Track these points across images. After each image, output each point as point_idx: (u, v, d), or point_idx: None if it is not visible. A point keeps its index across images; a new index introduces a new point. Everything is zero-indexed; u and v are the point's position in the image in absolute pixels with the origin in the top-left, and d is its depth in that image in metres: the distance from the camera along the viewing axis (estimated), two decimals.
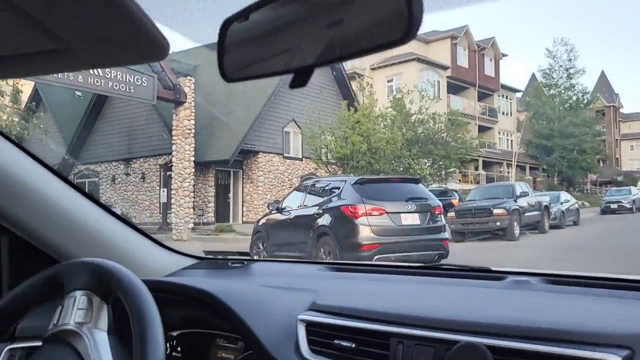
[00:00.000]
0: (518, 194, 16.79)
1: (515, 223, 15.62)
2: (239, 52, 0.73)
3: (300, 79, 0.68)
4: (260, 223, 10.84)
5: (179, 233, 18.54)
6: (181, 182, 18.70)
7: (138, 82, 16.99)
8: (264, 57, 0.71)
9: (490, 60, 41.65)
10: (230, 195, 21.95)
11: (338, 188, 8.76)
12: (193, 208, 19.35)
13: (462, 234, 15.93)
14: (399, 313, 1.28)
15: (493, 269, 1.61)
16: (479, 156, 37.41)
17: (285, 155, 23.16)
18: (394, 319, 1.26)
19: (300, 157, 23.16)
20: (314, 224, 8.53)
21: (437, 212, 8.51)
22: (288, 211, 9.60)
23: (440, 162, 22.21)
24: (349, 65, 37.80)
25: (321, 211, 8.59)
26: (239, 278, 1.86)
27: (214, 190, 21.11)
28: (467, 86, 39.85)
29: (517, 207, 16.01)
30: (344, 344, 1.26)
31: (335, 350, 1.27)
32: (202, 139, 21.49)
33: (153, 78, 17.41)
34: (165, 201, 19.33)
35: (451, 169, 23.77)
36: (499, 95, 43.05)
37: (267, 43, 0.71)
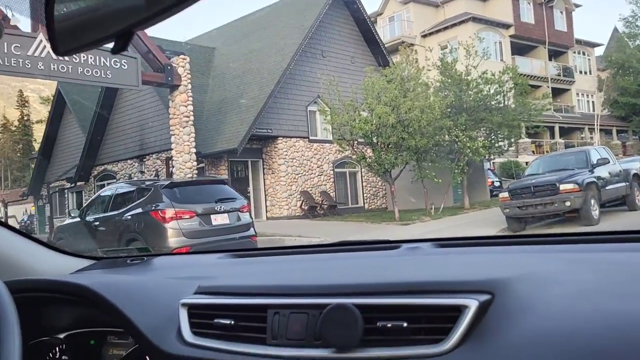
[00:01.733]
0: (594, 162, 12.72)
1: (593, 201, 11.68)
2: (67, 24, 0.73)
3: (119, 44, 0.69)
4: (60, 229, 10.38)
5: None
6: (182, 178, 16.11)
7: (116, 65, 14.51)
8: (89, 26, 0.71)
9: (561, 13, 36.26)
10: (250, 189, 19.17)
11: (148, 191, 8.58)
12: None
13: (520, 220, 12.24)
14: (276, 285, 1.34)
15: (391, 239, 1.76)
16: (554, 122, 32.50)
17: (311, 138, 20.06)
18: (271, 291, 1.29)
19: (331, 139, 19.97)
20: (121, 229, 8.45)
21: (244, 211, 8.79)
22: (92, 217, 9.25)
23: (498, 132, 18.21)
24: (396, 34, 34.04)
25: (129, 216, 8.42)
26: (131, 273, 1.84)
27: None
28: (535, 45, 34.87)
29: (594, 179, 12.01)
30: (223, 321, 1.27)
31: (216, 330, 1.28)
32: (212, 127, 18.82)
33: (135, 60, 14.89)
34: None
35: (513, 139, 19.68)
36: (575, 52, 37.52)
37: (89, 11, 0.72)
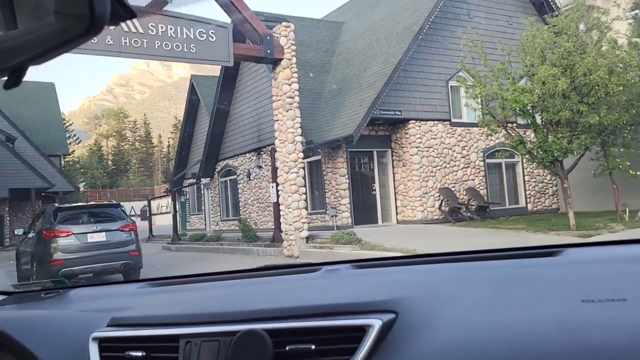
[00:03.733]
0: None
1: None
2: None
3: (12, 79, 0.69)
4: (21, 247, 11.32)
5: (290, 246, 13.08)
6: (286, 173, 13.18)
7: (202, 36, 11.99)
8: None
9: None
10: (375, 185, 15.64)
11: (44, 213, 10.23)
12: (307, 208, 13.68)
13: None
14: (189, 314, 1.33)
15: (313, 262, 1.87)
16: None
17: (453, 121, 15.87)
18: (185, 320, 1.29)
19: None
20: (30, 249, 10.06)
21: (126, 229, 9.83)
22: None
23: None
24: None
25: (32, 235, 10.30)
26: (45, 308, 1.79)
27: (347, 181, 15.07)
28: None
29: None
30: (135, 354, 1.26)
31: None
32: (329, 111, 15.67)
33: (226, 29, 12.25)
34: (275, 200, 14.06)
35: None
36: None
37: None
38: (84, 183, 62.28)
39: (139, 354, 1.24)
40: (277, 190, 13.70)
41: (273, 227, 14.51)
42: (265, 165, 17.87)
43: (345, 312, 1.13)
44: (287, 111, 13.15)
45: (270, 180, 14.64)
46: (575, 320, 0.99)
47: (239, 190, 20.19)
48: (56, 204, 11.51)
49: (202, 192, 24.55)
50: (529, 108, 11.36)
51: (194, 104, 25.80)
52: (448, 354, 0.99)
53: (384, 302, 1.14)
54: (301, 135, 13.38)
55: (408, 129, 15.17)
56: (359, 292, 1.32)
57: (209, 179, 22.57)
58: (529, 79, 11.54)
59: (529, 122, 11.60)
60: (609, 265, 1.24)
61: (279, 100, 13.37)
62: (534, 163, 12.63)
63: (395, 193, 15.66)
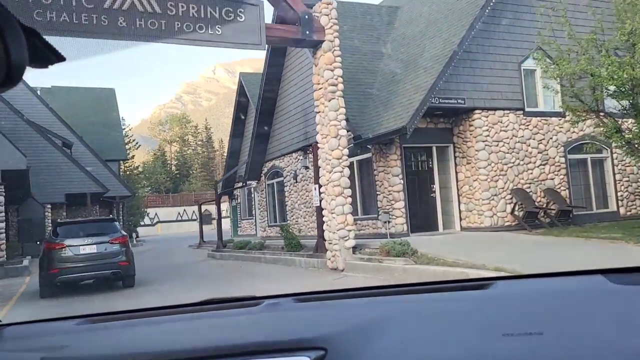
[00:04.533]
0: None
1: None
2: None
3: None
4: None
5: (334, 257, 11.27)
6: (329, 173, 11.38)
7: (229, 16, 10.42)
8: None
9: None
10: (435, 186, 13.53)
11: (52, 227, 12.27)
12: (354, 213, 11.77)
13: None
14: (128, 353, 1.33)
15: (257, 295, 1.71)
16: None
17: (527, 110, 13.51)
18: None
19: (560, 110, 13.16)
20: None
21: (116, 242, 10.66)
22: None
23: None
24: None
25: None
26: None
27: (402, 181, 13.04)
28: None
29: None
30: None
31: None
32: (380, 102, 13.77)
33: (257, 7, 10.63)
34: (318, 204, 12.28)
35: None
36: None
37: None
38: (148, 188, 63.32)
39: None
40: (320, 193, 11.93)
41: (304, 238, 12.76)
42: (312, 166, 16.14)
43: (278, 350, 1.18)
44: (329, 101, 11.35)
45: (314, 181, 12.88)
46: (496, 356, 1.05)
47: (286, 194, 18.58)
48: (59, 220, 12.87)
49: (252, 195, 23.18)
50: (628, 87, 8.99)
51: (243, 103, 24.55)
52: None
53: (314, 339, 1.17)
54: (346, 129, 11.55)
55: (473, 120, 12.98)
56: (293, 328, 1.33)
57: (255, 181, 21.12)
58: (628, 50, 9.16)
59: (630, 104, 9.20)
60: (529, 298, 1.27)
61: (320, 88, 11.60)
62: (634, 157, 10.18)
63: (458, 195, 13.49)
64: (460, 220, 13.38)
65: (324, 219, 11.67)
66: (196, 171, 70.95)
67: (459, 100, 12.68)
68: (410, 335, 1.15)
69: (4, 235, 18.56)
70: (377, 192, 13.51)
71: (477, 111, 12.90)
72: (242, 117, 24.93)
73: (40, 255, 11.00)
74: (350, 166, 12.42)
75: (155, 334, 1.51)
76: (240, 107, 24.80)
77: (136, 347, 1.35)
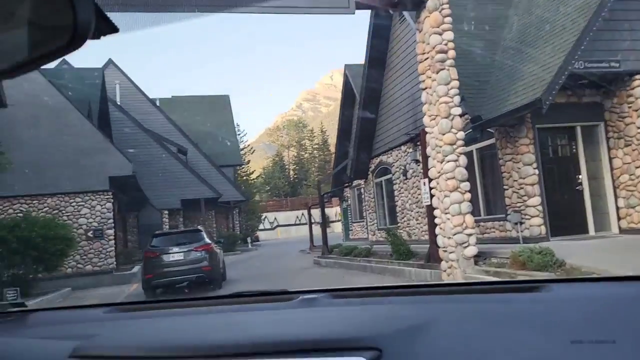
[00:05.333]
0: None
1: None
2: None
3: None
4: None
5: (450, 268, 8.96)
6: (440, 163, 9.09)
7: None
8: None
9: None
10: (582, 177, 10.61)
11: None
12: (474, 212, 9.31)
13: None
14: (160, 345, 1.26)
15: (289, 290, 1.60)
16: None
17: None
18: (154, 353, 1.22)
19: None
20: None
21: (200, 250, 11.81)
22: None
23: None
24: None
25: None
26: (2, 334, 1.69)
27: (536, 172, 10.30)
28: None
29: None
30: None
31: None
32: (504, 75, 11.20)
33: None
34: (429, 202, 9.98)
35: None
36: None
37: None
38: (268, 193, 64.28)
39: None
40: (430, 189, 9.67)
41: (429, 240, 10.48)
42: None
43: (327, 349, 1.09)
44: (437, 72, 9.07)
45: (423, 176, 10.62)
46: None
47: (395, 193, 16.38)
48: (156, 231, 13.91)
49: (363, 196, 21.27)
50: None
51: (349, 97, 22.75)
52: None
53: (367, 338, 1.09)
54: (460, 107, 9.17)
55: (632, 88, 9.91)
56: (339, 326, 1.22)
57: (363, 180, 19.16)
58: None
59: None
60: (596, 303, 1.14)
61: (426, 59, 9.36)
62: None
63: (614, 188, 10.44)
64: (619, 220, 10.32)
65: (436, 220, 9.40)
66: (313, 174, 70.79)
67: (612, 64, 9.70)
68: (471, 338, 1.04)
69: (113, 242, 18.39)
70: (505, 187, 10.88)
71: (638, 76, 9.82)
72: (348, 112, 23.15)
73: (142, 262, 12.53)
74: (469, 156, 10.03)
75: (186, 326, 1.41)
76: (347, 102, 23.03)
77: (167, 339, 1.28)
